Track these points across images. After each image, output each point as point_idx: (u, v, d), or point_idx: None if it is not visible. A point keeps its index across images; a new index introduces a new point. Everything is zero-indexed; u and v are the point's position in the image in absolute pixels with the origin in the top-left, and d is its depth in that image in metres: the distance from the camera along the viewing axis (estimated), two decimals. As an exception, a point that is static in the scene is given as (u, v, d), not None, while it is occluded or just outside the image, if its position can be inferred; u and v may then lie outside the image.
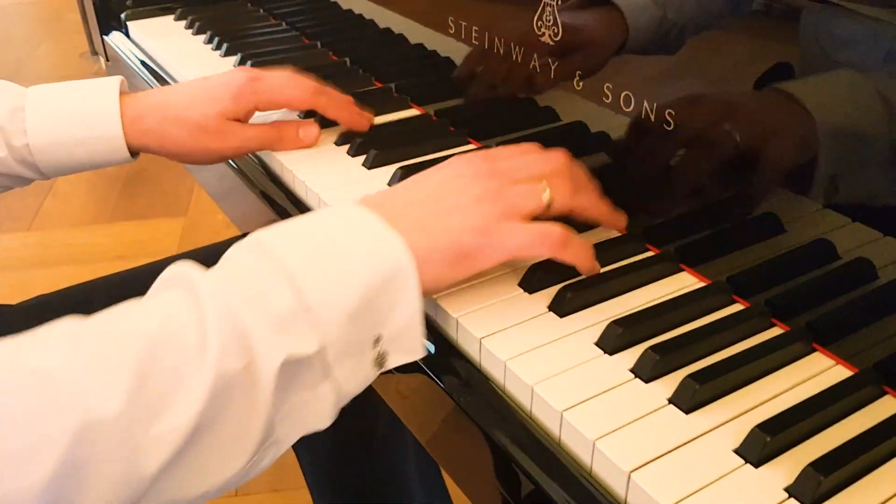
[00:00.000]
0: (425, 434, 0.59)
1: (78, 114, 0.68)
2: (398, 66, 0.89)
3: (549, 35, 0.63)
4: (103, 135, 0.68)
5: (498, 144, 0.73)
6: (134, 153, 0.71)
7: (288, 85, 0.72)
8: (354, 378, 0.46)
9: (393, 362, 0.48)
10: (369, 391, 0.67)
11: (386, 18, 0.93)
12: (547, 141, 0.72)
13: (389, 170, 0.70)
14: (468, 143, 0.76)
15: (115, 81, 0.70)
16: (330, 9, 1.05)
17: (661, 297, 0.54)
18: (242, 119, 0.72)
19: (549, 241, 0.51)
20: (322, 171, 0.71)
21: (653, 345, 0.48)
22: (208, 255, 0.82)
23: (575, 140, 0.70)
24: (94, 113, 0.68)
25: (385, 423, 0.83)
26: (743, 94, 0.54)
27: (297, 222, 0.48)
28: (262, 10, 1.10)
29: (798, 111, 0.52)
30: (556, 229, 0.51)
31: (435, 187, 0.52)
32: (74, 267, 1.97)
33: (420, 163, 0.71)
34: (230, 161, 0.80)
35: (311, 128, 0.74)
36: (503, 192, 0.52)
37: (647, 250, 0.59)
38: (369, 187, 0.68)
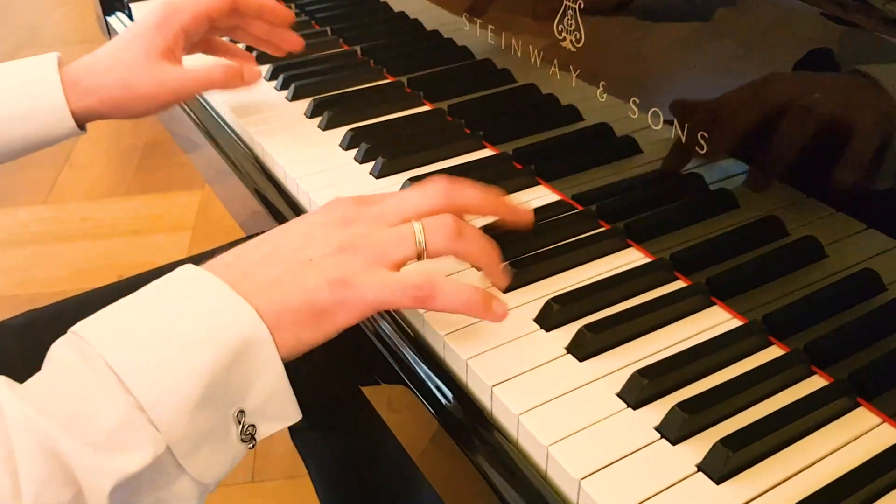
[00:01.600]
0: (416, 449, 0.56)
1: (16, 87, 0.66)
2: (411, 57, 0.84)
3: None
4: (44, 104, 0.66)
5: (515, 149, 0.69)
6: (81, 125, 0.68)
7: None
8: (217, 463, 0.42)
9: (265, 432, 0.44)
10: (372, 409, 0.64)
11: (402, 0, 0.88)
12: (569, 143, 0.68)
13: (399, 178, 0.66)
14: (483, 146, 0.71)
15: (52, 56, 0.68)
16: (341, -11, 0.99)
17: (691, 336, 0.50)
18: (175, 49, 0.69)
19: (412, 293, 0.45)
20: (328, 180, 0.66)
21: (682, 401, 0.44)
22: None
23: (599, 143, 0.65)
24: (34, 84, 0.66)
25: (391, 440, 0.80)
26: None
27: (127, 304, 0.43)
28: (270, -9, 1.05)
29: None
30: (418, 279, 0.45)
31: (296, 239, 0.47)
32: (90, 242, 1.95)
33: (430, 173, 0.66)
34: (226, 157, 0.76)
35: (253, 66, 0.72)
36: (367, 238, 0.46)
37: (676, 279, 0.55)
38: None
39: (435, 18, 0.82)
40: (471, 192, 0.51)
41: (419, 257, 0.47)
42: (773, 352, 0.49)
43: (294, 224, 0.49)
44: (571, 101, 0.67)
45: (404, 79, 0.82)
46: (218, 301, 0.42)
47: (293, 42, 0.76)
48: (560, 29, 0.58)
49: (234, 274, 0.44)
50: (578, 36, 0.57)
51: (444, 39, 0.81)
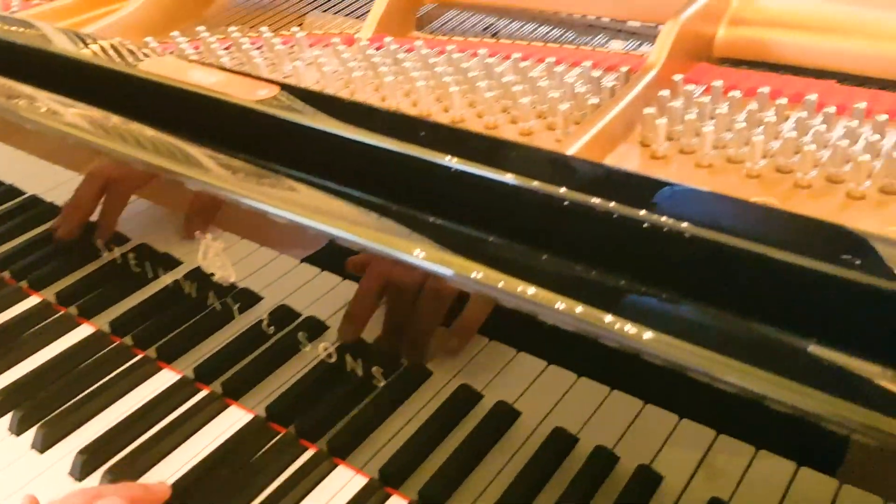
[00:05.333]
0: None
1: None
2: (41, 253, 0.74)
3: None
4: None
5: (196, 368, 0.63)
6: None
7: None
8: None
9: None
10: None
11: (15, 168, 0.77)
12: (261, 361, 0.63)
13: (68, 447, 0.58)
14: (160, 368, 0.64)
15: None
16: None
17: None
18: None
19: None
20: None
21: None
22: None
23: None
24: None
25: None
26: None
27: None
28: None
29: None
30: None
31: None
32: None
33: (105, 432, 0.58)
34: None
35: None
36: None
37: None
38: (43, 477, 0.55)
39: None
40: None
41: None
42: None
43: None
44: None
45: (51, 294, 0.72)
46: None
47: None
48: (207, 265, 0.54)
49: None
50: (227, 274, 0.53)
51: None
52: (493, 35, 0.92)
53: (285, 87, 0.49)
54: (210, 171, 0.47)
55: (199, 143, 0.49)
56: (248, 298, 0.61)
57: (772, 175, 0.54)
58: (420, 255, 0.42)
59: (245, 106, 0.47)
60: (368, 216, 0.43)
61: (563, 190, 0.42)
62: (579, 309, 0.39)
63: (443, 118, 0.64)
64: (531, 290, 0.40)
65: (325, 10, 0.98)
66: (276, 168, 0.46)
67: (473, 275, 0.42)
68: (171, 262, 0.67)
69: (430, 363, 0.55)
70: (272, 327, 0.58)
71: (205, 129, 0.49)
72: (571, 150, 0.55)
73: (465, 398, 0.54)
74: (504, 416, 0.53)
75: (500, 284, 0.41)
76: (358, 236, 0.43)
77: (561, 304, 0.40)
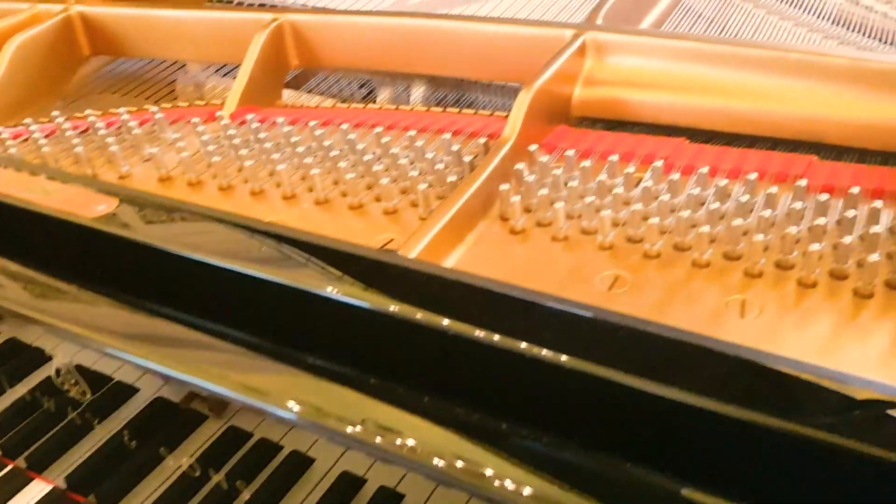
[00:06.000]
0: None
1: None
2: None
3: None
4: None
5: (71, 478, 0.61)
6: None
7: None
8: None
9: None
10: None
11: None
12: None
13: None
14: (31, 479, 0.62)
15: None
16: None
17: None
18: None
19: None
20: None
21: None
22: None
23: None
24: None
25: None
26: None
27: None
28: None
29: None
30: None
31: None
32: None
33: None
34: None
35: None
36: None
37: None
38: None
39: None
40: None
41: None
42: None
43: None
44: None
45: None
46: None
47: None
48: (61, 381, 0.52)
49: None
50: (83, 389, 0.52)
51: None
52: (370, 93, 0.92)
53: (125, 200, 0.48)
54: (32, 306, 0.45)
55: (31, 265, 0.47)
56: (124, 392, 0.59)
57: (623, 245, 0.55)
58: (294, 408, 0.41)
59: (83, 225, 0.46)
60: (215, 350, 0.42)
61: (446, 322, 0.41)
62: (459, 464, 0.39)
63: (307, 198, 0.64)
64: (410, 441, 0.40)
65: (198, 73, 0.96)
66: (120, 295, 0.45)
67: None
68: (39, 359, 0.65)
69: (309, 451, 0.54)
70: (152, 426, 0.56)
71: (40, 250, 0.47)
72: (434, 230, 0.55)
73: (346, 485, 0.54)
74: (387, 501, 0.53)
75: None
76: (198, 378, 0.42)
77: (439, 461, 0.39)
